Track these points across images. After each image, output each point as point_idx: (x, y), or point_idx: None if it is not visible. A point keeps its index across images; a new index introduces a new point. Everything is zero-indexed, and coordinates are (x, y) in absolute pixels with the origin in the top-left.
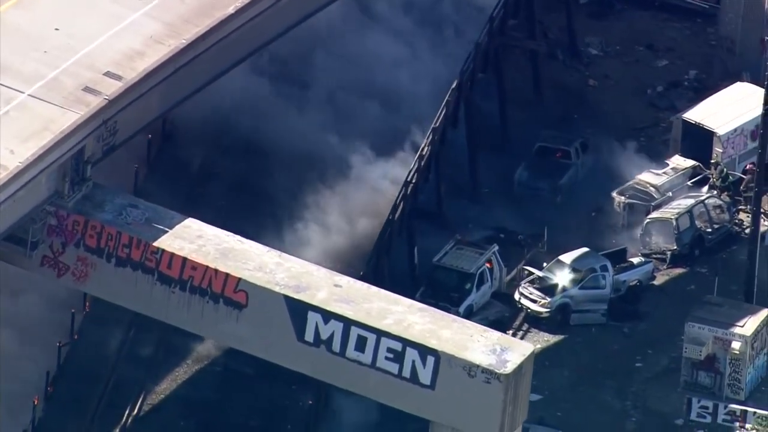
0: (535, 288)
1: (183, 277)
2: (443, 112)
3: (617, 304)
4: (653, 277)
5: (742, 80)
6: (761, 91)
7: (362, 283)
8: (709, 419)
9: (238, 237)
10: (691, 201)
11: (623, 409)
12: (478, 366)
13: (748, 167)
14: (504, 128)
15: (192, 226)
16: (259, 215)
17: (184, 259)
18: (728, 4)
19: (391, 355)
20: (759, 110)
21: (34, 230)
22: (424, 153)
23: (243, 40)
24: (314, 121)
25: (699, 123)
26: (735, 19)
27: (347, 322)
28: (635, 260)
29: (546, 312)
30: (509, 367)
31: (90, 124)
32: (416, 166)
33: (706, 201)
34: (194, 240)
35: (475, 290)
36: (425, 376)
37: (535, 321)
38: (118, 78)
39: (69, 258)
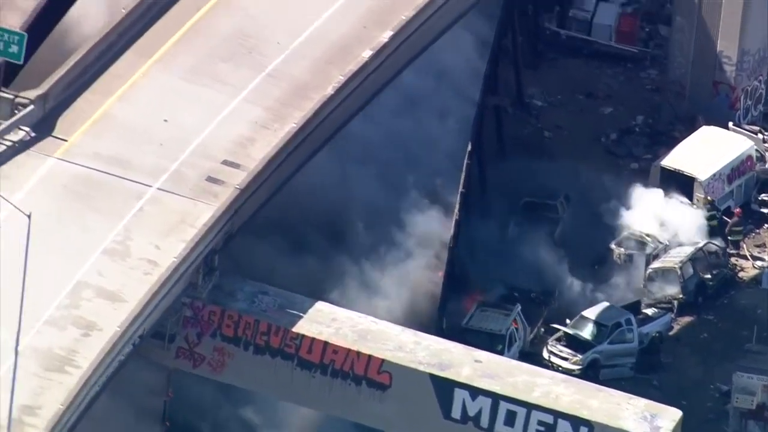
0: (563, 345)
1: (324, 361)
2: (465, 176)
3: (641, 357)
4: (671, 328)
5: (698, 124)
6: (730, 134)
7: (501, 357)
8: None
9: (371, 318)
10: (690, 248)
11: None
12: None
13: (736, 211)
14: (483, 185)
15: (324, 309)
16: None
17: (325, 344)
18: (677, 49)
19: (542, 428)
20: (733, 154)
21: (171, 323)
22: (458, 218)
23: (337, 118)
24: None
25: (679, 169)
26: (684, 63)
27: (495, 397)
28: (650, 312)
29: (577, 369)
30: None
31: (226, 215)
32: (454, 232)
33: (704, 247)
34: (330, 323)
35: (506, 350)
36: None
37: None
38: (236, 166)
39: (205, 348)
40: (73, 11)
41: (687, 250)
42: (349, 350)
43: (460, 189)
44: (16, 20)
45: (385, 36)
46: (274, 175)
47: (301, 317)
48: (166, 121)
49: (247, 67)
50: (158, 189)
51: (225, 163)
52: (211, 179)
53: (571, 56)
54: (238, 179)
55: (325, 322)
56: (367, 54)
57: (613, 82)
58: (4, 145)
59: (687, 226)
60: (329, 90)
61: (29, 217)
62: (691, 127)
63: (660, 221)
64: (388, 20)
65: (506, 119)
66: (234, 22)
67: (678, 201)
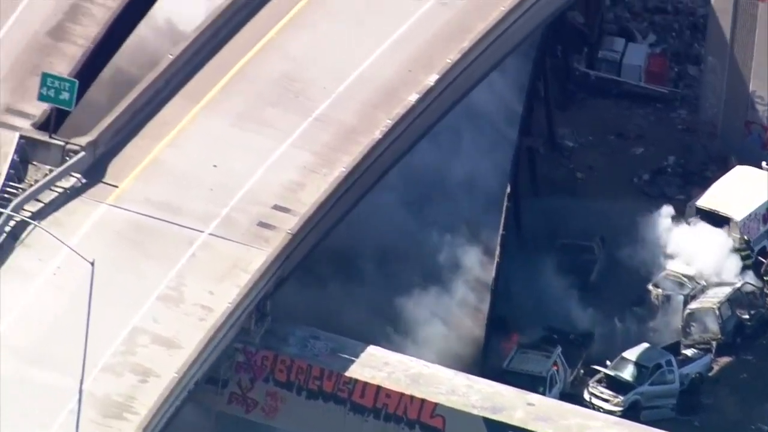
0: (604, 387)
1: (377, 405)
2: (505, 217)
3: (682, 398)
4: (711, 369)
5: (731, 164)
6: (764, 174)
7: (553, 400)
8: None
9: (423, 362)
10: (727, 289)
11: None
12: None
13: None
14: (518, 226)
15: (376, 353)
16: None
17: (378, 388)
18: (709, 90)
19: None
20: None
21: (224, 368)
22: (500, 261)
23: (385, 161)
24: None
25: (714, 209)
26: (716, 103)
27: None
28: (689, 353)
29: (618, 410)
30: None
31: (279, 260)
32: (496, 274)
33: (741, 288)
34: (382, 367)
35: (547, 392)
36: None
37: None
38: (287, 210)
39: (258, 393)
40: (119, 57)
41: (725, 291)
42: (402, 394)
43: (501, 231)
44: (63, 67)
45: (431, 79)
46: (324, 220)
47: (353, 361)
48: (215, 166)
49: (294, 112)
50: (210, 234)
51: (275, 208)
52: (263, 224)
53: (601, 97)
54: (289, 224)
55: (378, 366)
56: (413, 98)
57: (644, 123)
58: (56, 191)
59: (723, 265)
60: (377, 134)
61: (93, 264)
62: (723, 167)
63: (696, 261)
64: (433, 64)
65: (538, 160)
66: (279, 66)
67: (714, 240)
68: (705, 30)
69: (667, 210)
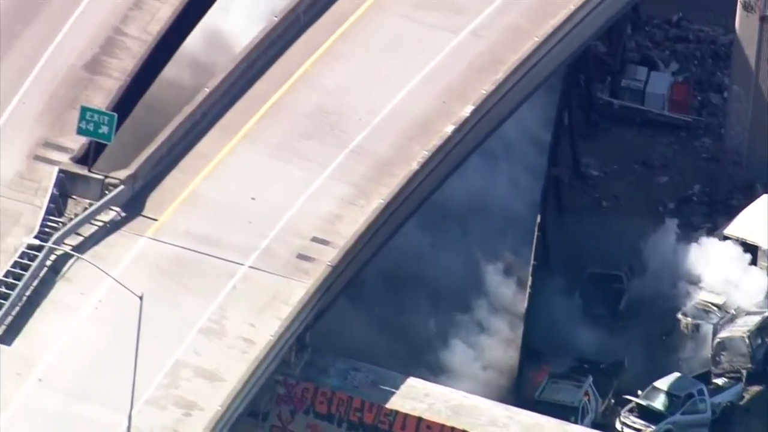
0: (636, 416)
1: None
2: (536, 248)
3: (714, 427)
4: (742, 397)
5: (757, 192)
6: None
7: (592, 430)
8: None
9: (463, 392)
10: (756, 318)
11: None
12: None
13: None
14: (546, 256)
15: (417, 385)
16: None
17: (419, 419)
18: (734, 118)
19: None
20: None
21: (265, 401)
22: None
23: (422, 192)
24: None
25: (742, 238)
26: (742, 132)
27: None
28: (720, 382)
29: None
30: None
31: (319, 291)
32: (528, 305)
33: None
34: (423, 399)
35: (579, 422)
36: None
37: None
38: (326, 243)
39: (298, 426)
40: (155, 89)
41: (754, 319)
42: (443, 426)
43: (532, 261)
44: (100, 100)
45: (467, 110)
46: (363, 251)
47: (393, 393)
48: (253, 198)
49: (331, 144)
50: (250, 267)
51: (314, 240)
52: (302, 256)
53: (625, 125)
54: (328, 256)
55: (418, 397)
56: (449, 129)
57: (668, 151)
58: (96, 225)
59: (753, 292)
60: (414, 165)
61: (141, 298)
62: (749, 195)
63: (726, 288)
64: (467, 95)
65: (564, 189)
66: (314, 98)
67: (743, 267)
68: (727, 58)
69: (671, 222)
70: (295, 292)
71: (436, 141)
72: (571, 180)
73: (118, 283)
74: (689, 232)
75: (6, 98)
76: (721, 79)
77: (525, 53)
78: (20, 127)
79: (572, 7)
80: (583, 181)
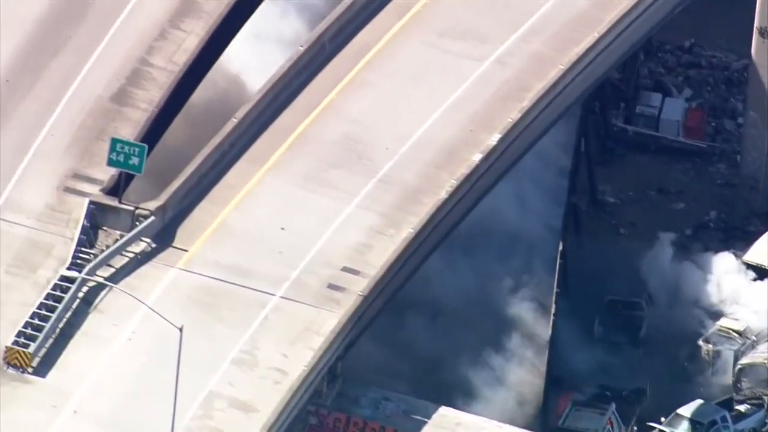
0: None
1: None
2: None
3: None
4: (765, 424)
5: None
6: None
7: None
8: None
9: (495, 422)
10: None
11: None
12: None
13: None
14: (566, 283)
15: (448, 414)
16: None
17: None
18: (750, 144)
19: None
20: None
21: (298, 431)
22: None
23: (450, 220)
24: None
25: (761, 264)
26: (759, 158)
27: None
28: (742, 408)
29: None
30: None
31: (351, 321)
32: (553, 331)
33: None
34: (454, 428)
35: None
36: None
37: None
38: (356, 272)
39: None
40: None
41: None
42: None
43: (555, 288)
44: (128, 131)
45: (494, 139)
46: (393, 281)
47: (425, 422)
48: (282, 229)
49: (359, 173)
50: (281, 297)
51: (344, 269)
52: (332, 286)
53: (639, 152)
54: (359, 286)
55: (450, 426)
56: (477, 157)
57: (683, 178)
58: (127, 256)
59: None
60: (443, 194)
61: (181, 330)
62: (767, 222)
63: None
64: (494, 123)
65: (582, 216)
66: (341, 128)
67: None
68: (740, 84)
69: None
70: (326, 322)
71: (464, 169)
72: (588, 207)
73: (159, 315)
74: (708, 258)
75: (34, 130)
76: (734, 105)
77: (550, 81)
78: (49, 159)
79: (596, 35)
80: (600, 208)
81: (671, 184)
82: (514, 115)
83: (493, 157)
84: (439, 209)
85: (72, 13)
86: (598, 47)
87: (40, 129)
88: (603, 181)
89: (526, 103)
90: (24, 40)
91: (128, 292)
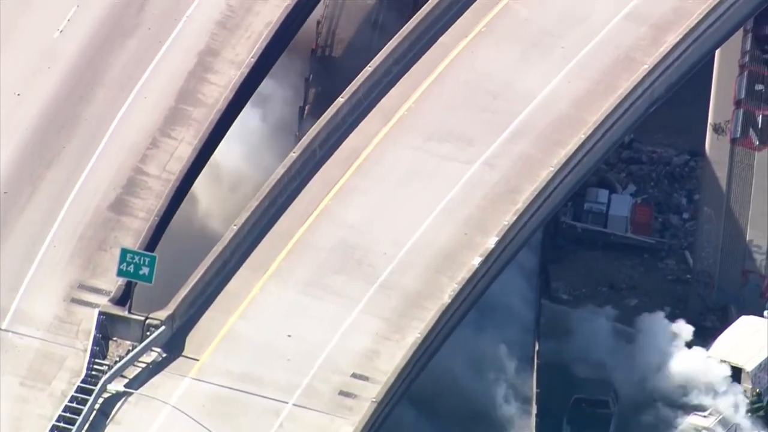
0: None
1: None
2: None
3: None
4: None
5: (731, 313)
6: None
7: None
8: None
9: None
10: None
11: None
12: None
13: None
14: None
15: None
16: None
17: None
18: (704, 239)
19: None
20: None
21: None
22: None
23: (452, 324)
24: None
25: (725, 360)
26: (713, 253)
27: None
28: None
29: None
30: None
31: (366, 428)
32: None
33: None
34: None
35: None
36: None
37: None
38: (365, 378)
39: None
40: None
41: None
42: None
43: (535, 389)
44: (129, 241)
45: (491, 242)
46: (403, 384)
47: None
48: (289, 336)
49: (359, 278)
50: (294, 405)
51: (354, 376)
52: (344, 393)
53: (589, 248)
54: (371, 392)
55: None
56: (476, 261)
57: (634, 273)
58: (139, 367)
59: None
60: (446, 299)
61: None
62: (723, 317)
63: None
64: (488, 226)
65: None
66: (337, 233)
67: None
68: (682, 179)
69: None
70: (341, 429)
71: (464, 273)
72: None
73: (197, 422)
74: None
75: (37, 241)
76: (678, 200)
77: (542, 183)
78: (53, 271)
79: (582, 136)
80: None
81: (622, 280)
82: (509, 218)
83: (491, 259)
84: (443, 314)
85: (62, 123)
86: (584, 148)
87: (42, 240)
88: (556, 278)
89: (520, 205)
90: (18, 151)
91: (161, 399)
